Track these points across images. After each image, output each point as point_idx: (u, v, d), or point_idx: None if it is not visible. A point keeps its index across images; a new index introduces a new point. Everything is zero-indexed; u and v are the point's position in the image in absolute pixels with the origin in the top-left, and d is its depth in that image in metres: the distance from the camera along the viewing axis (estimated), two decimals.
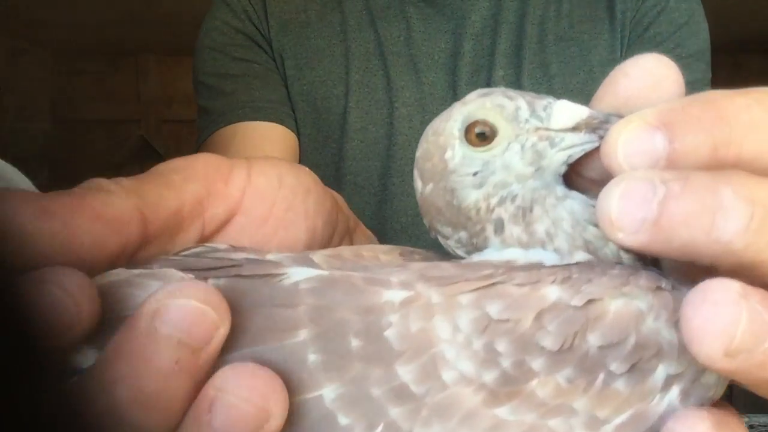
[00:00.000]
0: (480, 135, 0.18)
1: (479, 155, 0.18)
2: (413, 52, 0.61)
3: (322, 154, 0.61)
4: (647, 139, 0.15)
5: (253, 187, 0.19)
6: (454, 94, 0.59)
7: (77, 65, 2.01)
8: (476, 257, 0.18)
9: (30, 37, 1.78)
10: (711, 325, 0.13)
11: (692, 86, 0.49)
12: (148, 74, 2.01)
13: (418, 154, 0.19)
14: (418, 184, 0.19)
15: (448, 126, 0.18)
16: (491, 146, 0.18)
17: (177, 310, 0.13)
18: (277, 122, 0.63)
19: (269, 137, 0.62)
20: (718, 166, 0.14)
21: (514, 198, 0.18)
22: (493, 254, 0.18)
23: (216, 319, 0.14)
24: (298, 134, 0.61)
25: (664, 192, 0.14)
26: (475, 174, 0.18)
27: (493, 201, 0.18)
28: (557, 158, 0.18)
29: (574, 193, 0.18)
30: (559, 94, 0.45)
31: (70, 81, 2.02)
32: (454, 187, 0.18)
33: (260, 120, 0.62)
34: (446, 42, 0.61)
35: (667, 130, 0.15)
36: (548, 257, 0.17)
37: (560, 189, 0.18)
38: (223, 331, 0.14)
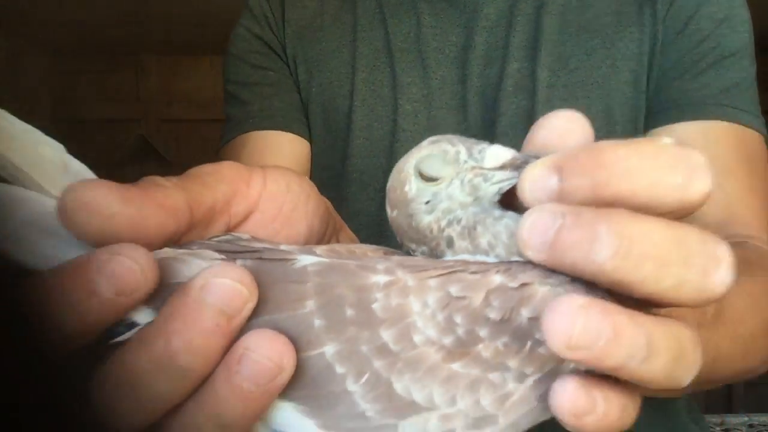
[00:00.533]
0: (425, 176, 0.24)
1: (429, 188, 0.23)
2: (422, 47, 0.60)
3: (331, 154, 0.63)
4: (544, 179, 0.20)
5: (267, 190, 0.25)
6: (464, 88, 0.58)
7: (77, 65, 2.01)
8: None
9: (30, 37, 1.78)
10: (554, 326, 0.18)
11: (737, 88, 0.47)
12: (148, 74, 2.01)
13: (387, 186, 0.25)
14: (388, 210, 0.25)
15: (407, 166, 0.24)
16: (438, 182, 0.23)
17: (219, 286, 0.18)
18: (286, 130, 0.66)
19: (277, 145, 0.66)
20: (601, 201, 0.19)
21: (459, 220, 0.23)
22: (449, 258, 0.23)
23: (247, 295, 0.19)
24: (312, 137, 0.64)
25: (560, 224, 0.19)
26: (427, 202, 0.23)
27: (443, 223, 0.23)
28: (490, 190, 0.23)
29: (510, 213, 0.22)
30: (578, 88, 0.53)
31: (70, 81, 2.02)
32: (412, 212, 0.24)
33: (269, 129, 0.66)
34: (458, 35, 0.59)
35: (559, 172, 0.20)
36: (491, 260, 0.22)
37: (497, 212, 0.22)
38: (251, 304, 0.19)
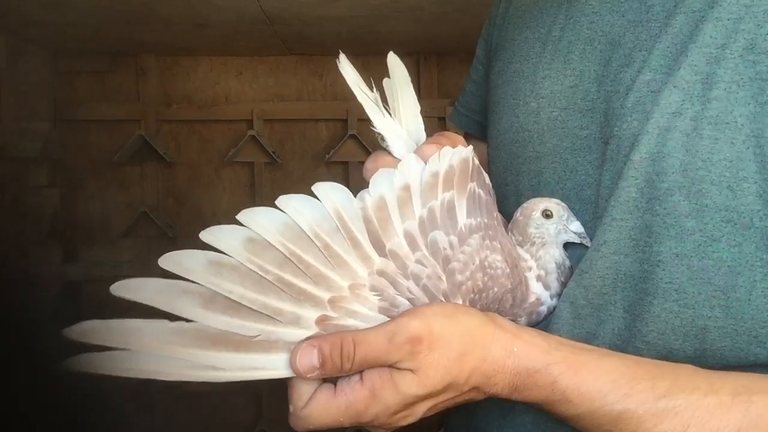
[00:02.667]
0: (546, 213, 0.52)
1: (543, 220, 0.52)
2: (574, 36, 0.54)
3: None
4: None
5: None
6: (597, 90, 0.51)
7: (77, 65, 2.00)
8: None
9: (30, 37, 1.78)
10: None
11: None
12: (148, 74, 2.01)
13: (524, 204, 0.54)
14: (517, 213, 0.54)
15: (540, 205, 0.52)
16: (549, 220, 0.52)
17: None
18: (462, 128, 0.78)
19: (457, 140, 0.64)
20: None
21: (542, 239, 0.52)
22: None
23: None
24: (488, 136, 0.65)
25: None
26: (536, 226, 0.52)
27: (536, 237, 0.52)
28: (563, 237, 0.52)
29: (562, 252, 0.53)
30: (708, 124, 0.47)
31: (70, 81, 2.02)
32: (527, 224, 0.53)
33: (453, 122, 0.79)
34: (611, 25, 0.51)
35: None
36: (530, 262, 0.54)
37: (559, 248, 0.53)
38: None
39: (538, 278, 0.51)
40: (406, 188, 0.46)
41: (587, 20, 0.53)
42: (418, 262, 0.45)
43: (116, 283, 0.45)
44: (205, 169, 2.09)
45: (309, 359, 0.42)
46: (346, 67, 0.52)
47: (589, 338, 0.49)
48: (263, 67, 2.06)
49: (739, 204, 0.42)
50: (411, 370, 0.42)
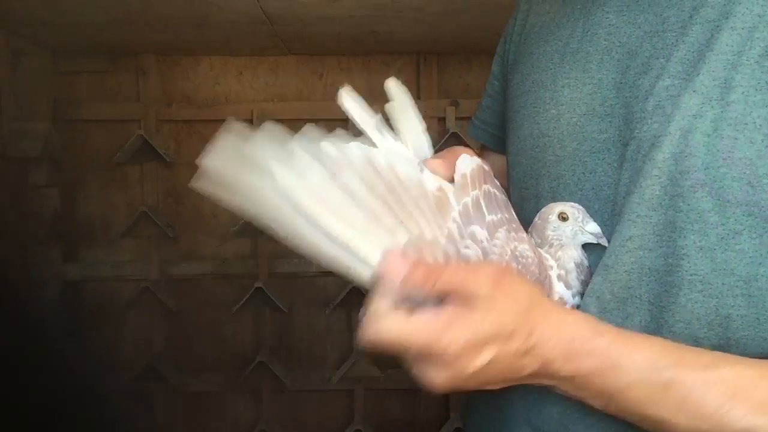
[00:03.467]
0: (562, 216, 0.55)
1: (559, 222, 0.55)
2: (592, 47, 0.57)
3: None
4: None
5: None
6: (616, 96, 0.54)
7: (77, 65, 2.00)
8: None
9: (30, 37, 1.78)
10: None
11: None
12: (148, 74, 2.01)
13: (543, 209, 0.57)
14: (536, 217, 0.58)
15: (557, 209, 0.56)
16: (565, 222, 0.55)
17: None
18: (480, 141, 0.80)
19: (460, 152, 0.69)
20: None
21: (560, 240, 0.55)
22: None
23: None
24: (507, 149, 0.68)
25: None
26: (554, 228, 0.55)
27: (553, 238, 0.55)
28: (580, 238, 0.55)
29: (582, 252, 0.56)
30: (728, 125, 0.49)
31: (70, 81, 2.02)
32: (545, 227, 0.56)
33: (471, 135, 0.81)
34: (629, 36, 0.54)
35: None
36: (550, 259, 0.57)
37: (578, 249, 0.56)
38: None
39: (559, 277, 0.54)
40: (440, 189, 0.51)
41: (605, 32, 0.56)
42: (467, 248, 0.49)
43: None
44: None
45: (399, 263, 0.45)
46: (349, 102, 0.53)
47: None
48: (263, 67, 2.06)
49: (759, 199, 0.45)
50: (486, 302, 0.44)
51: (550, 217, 0.55)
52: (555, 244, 0.55)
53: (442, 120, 2.05)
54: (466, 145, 0.87)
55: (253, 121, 2.01)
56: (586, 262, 0.55)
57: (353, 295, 2.03)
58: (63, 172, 2.01)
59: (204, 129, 2.08)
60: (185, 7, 1.45)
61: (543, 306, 0.48)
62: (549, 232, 0.55)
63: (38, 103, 1.90)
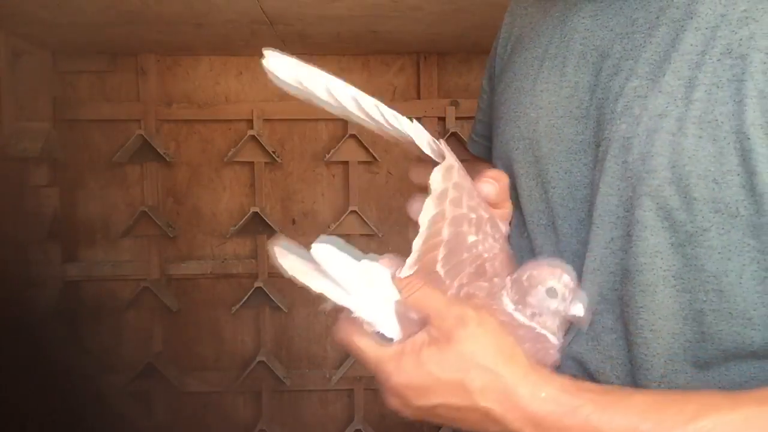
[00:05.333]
0: (551, 293, 0.51)
1: (546, 296, 0.52)
2: (568, 52, 0.58)
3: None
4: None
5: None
6: (591, 98, 0.55)
7: (77, 65, 2.00)
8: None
9: (30, 37, 1.78)
10: None
11: None
12: (148, 74, 2.01)
13: (524, 279, 0.53)
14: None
15: (549, 282, 0.52)
16: (553, 301, 0.52)
17: None
18: (477, 155, 0.82)
19: (474, 168, 0.72)
20: None
21: (540, 311, 0.52)
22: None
23: None
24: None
25: None
26: (537, 300, 0.53)
27: (535, 310, 0.52)
28: (559, 320, 0.53)
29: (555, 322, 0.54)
30: (692, 123, 0.49)
31: (70, 81, 2.02)
32: (526, 295, 0.53)
33: (473, 153, 0.83)
34: (602, 39, 0.55)
35: None
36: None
37: (554, 322, 0.54)
38: None
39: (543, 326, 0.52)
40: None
41: (580, 36, 0.57)
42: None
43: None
44: (205, 169, 2.09)
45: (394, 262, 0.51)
46: (283, 261, 0.52)
47: (605, 333, 0.53)
48: (263, 67, 2.05)
49: (724, 195, 0.46)
50: (441, 341, 0.47)
51: (539, 286, 0.51)
52: (533, 312, 0.52)
53: (442, 120, 2.05)
54: (466, 145, 0.88)
55: (253, 121, 2.02)
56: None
57: None
58: (63, 172, 2.01)
59: (204, 129, 2.08)
60: (185, 7, 1.45)
61: (513, 374, 0.47)
62: (531, 299, 0.51)
63: (38, 103, 1.90)
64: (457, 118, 2.03)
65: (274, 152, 2.01)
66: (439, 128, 2.06)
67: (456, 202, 0.49)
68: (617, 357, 0.53)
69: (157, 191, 2.06)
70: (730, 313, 0.48)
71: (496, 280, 0.52)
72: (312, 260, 0.50)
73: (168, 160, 2.01)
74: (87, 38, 1.77)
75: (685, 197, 0.47)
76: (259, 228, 2.02)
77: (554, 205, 0.58)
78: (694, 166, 0.46)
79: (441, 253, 0.49)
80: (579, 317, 0.51)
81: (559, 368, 0.53)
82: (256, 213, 1.98)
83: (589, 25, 0.57)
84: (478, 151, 0.82)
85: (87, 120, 2.02)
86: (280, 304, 2.04)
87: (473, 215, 0.51)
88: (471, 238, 0.50)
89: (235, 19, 1.55)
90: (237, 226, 2.02)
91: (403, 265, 0.50)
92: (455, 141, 2.00)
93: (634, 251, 0.50)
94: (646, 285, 0.50)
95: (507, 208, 0.57)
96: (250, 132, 1.97)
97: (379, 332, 0.50)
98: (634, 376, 0.52)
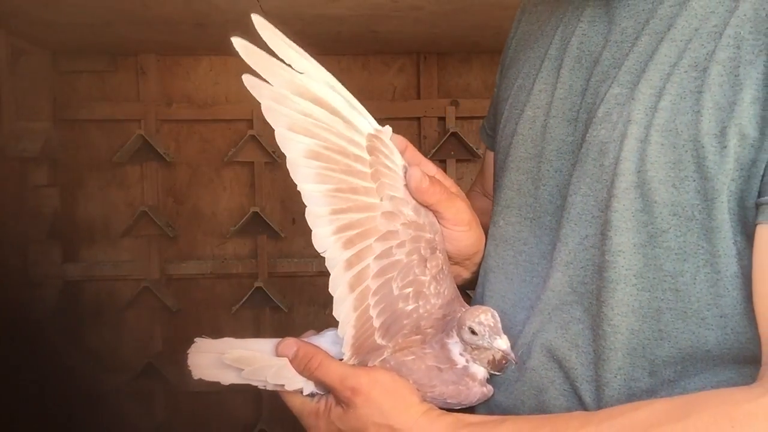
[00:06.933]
0: (471, 330, 0.57)
1: (471, 336, 0.58)
2: (566, 55, 0.61)
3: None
4: None
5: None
6: (581, 101, 0.58)
7: (77, 65, 2.00)
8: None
9: (30, 37, 1.78)
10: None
11: None
12: (148, 74, 2.01)
13: (461, 317, 0.59)
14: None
15: (465, 320, 0.58)
16: (476, 338, 0.57)
17: None
18: (489, 148, 0.84)
19: (489, 159, 0.83)
20: None
21: (475, 346, 0.58)
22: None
23: None
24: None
25: None
26: (468, 338, 0.58)
27: (472, 346, 0.59)
28: (488, 354, 0.59)
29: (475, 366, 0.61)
30: (656, 131, 0.51)
31: (70, 81, 2.02)
32: (464, 336, 0.59)
33: (484, 143, 0.86)
34: (596, 45, 0.58)
35: None
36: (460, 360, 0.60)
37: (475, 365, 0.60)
38: None
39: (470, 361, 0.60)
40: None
41: (577, 41, 0.60)
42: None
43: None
44: (205, 169, 2.09)
45: (289, 349, 0.60)
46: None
47: (573, 323, 0.56)
48: None
49: (682, 199, 0.49)
50: (344, 408, 0.57)
51: (464, 326, 0.57)
52: (468, 348, 0.59)
53: (441, 120, 2.05)
54: (466, 144, 0.90)
55: (253, 121, 2.02)
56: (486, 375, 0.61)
57: None
58: (63, 172, 2.01)
59: (204, 129, 2.08)
60: (185, 7, 1.45)
61: (403, 419, 0.55)
62: (465, 336, 0.58)
63: (38, 103, 1.90)
64: (457, 118, 2.04)
65: (274, 152, 2.01)
66: (439, 128, 2.06)
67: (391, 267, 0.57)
68: (582, 346, 0.55)
69: (157, 191, 2.06)
70: (685, 312, 0.50)
71: (429, 330, 0.59)
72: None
73: (168, 160, 2.01)
74: (87, 38, 1.77)
75: (647, 200, 0.50)
76: (259, 228, 2.02)
77: (543, 201, 0.61)
78: (656, 172, 0.49)
79: (378, 332, 0.57)
80: (503, 350, 0.56)
81: (504, 385, 0.60)
82: (256, 213, 1.98)
83: (586, 30, 0.59)
84: (486, 141, 0.85)
85: (87, 120, 2.02)
86: (280, 304, 2.04)
87: (410, 276, 0.57)
88: (409, 307, 0.57)
89: (235, 19, 1.55)
90: (237, 226, 2.01)
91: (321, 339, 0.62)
92: (455, 141, 2.00)
93: (603, 249, 0.53)
94: (609, 281, 0.52)
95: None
96: (250, 132, 1.97)
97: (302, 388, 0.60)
98: (596, 366, 0.54)
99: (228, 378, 0.61)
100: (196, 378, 0.61)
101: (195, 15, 1.53)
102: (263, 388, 0.61)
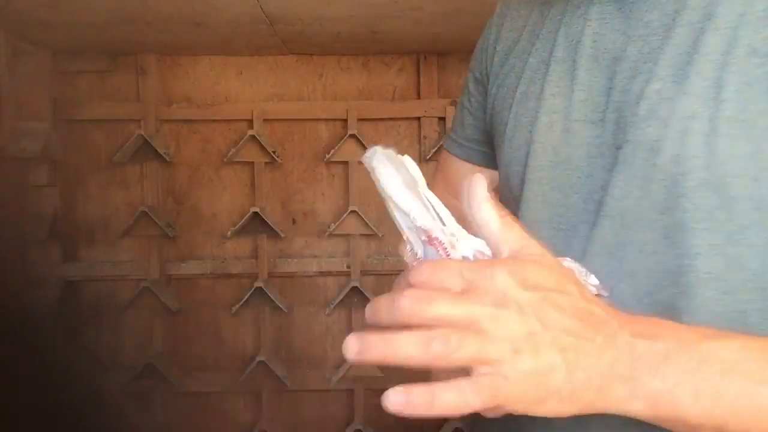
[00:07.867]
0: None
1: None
2: (578, 56, 0.58)
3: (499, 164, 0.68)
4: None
5: None
6: (607, 101, 0.55)
7: (77, 65, 2.01)
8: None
9: (30, 37, 1.78)
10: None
11: None
12: (148, 74, 2.01)
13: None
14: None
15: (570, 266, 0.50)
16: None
17: None
18: (466, 159, 0.80)
19: (458, 171, 0.80)
20: None
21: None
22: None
23: None
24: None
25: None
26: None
27: None
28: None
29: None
30: (724, 123, 0.49)
31: (70, 81, 2.02)
32: None
33: (454, 155, 0.81)
34: (614, 42, 0.55)
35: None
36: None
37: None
38: None
39: None
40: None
41: (589, 40, 0.57)
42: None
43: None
44: (205, 169, 2.09)
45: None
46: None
47: None
48: (263, 67, 2.06)
49: (764, 192, 0.46)
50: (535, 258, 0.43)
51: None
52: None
53: (442, 120, 2.05)
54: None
55: (253, 121, 2.02)
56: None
57: (353, 295, 2.03)
58: (63, 172, 2.01)
59: (204, 129, 2.08)
60: (185, 7, 1.45)
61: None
62: None
63: (38, 103, 1.90)
64: None
65: (274, 152, 2.01)
66: (439, 128, 2.06)
67: None
68: None
69: (157, 191, 2.06)
70: None
71: None
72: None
73: (168, 160, 2.01)
74: (87, 38, 1.77)
75: (724, 197, 0.47)
76: (258, 228, 2.02)
77: (576, 209, 0.57)
78: (731, 166, 0.47)
79: None
80: (597, 285, 0.50)
81: None
82: (256, 213, 1.98)
83: (597, 28, 0.57)
84: (463, 154, 0.80)
85: (87, 120, 2.02)
86: (280, 304, 2.04)
87: None
88: None
89: (235, 19, 1.55)
90: (237, 226, 2.02)
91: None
92: None
93: (673, 254, 0.50)
94: (687, 287, 0.49)
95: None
96: (250, 132, 1.97)
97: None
98: None
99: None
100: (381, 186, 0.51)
101: (195, 15, 1.52)
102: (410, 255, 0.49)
